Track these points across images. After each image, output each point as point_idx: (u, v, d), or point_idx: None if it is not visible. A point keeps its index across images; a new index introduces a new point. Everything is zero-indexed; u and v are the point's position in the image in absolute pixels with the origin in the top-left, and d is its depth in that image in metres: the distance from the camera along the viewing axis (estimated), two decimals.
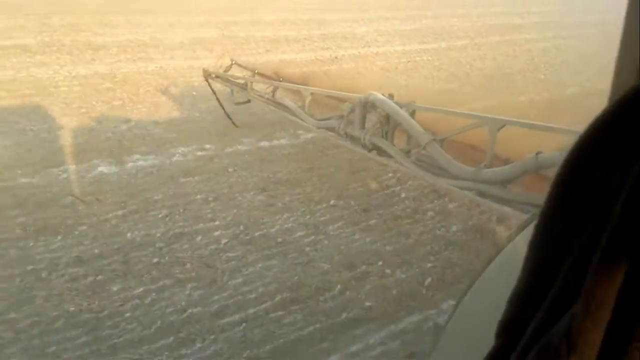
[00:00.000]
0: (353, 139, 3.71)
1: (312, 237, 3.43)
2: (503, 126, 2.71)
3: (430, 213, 3.71)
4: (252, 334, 2.58)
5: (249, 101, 5.05)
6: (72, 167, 4.20)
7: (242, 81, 5.08)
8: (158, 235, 3.34)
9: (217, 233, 3.42)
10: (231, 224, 3.53)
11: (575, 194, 0.38)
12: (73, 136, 4.83)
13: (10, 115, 5.25)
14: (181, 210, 3.65)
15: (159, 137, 4.91)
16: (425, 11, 13.68)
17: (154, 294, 2.81)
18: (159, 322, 2.61)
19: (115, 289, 2.83)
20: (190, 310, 2.70)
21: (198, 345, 2.50)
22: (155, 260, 3.09)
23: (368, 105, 3.55)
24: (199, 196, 3.88)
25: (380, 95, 3.48)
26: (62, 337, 2.48)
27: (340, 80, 6.62)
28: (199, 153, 4.65)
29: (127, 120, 5.30)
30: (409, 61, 8.60)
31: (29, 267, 2.95)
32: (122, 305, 2.72)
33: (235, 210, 3.70)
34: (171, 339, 2.52)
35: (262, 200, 3.88)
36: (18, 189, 3.81)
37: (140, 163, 4.38)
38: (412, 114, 3.32)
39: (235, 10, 12.21)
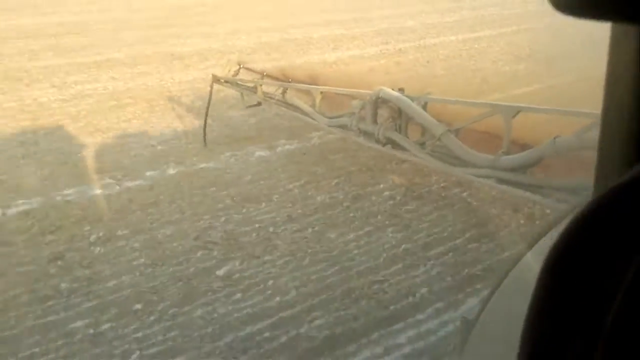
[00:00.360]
0: (366, 134, 3.73)
1: (468, 192, 4.07)
2: (517, 113, 2.71)
3: None
4: (460, 260, 3.23)
5: (259, 104, 5.00)
6: (235, 153, 4.89)
7: (251, 84, 5.02)
8: (340, 197, 4.01)
9: (386, 193, 4.08)
10: (394, 186, 4.19)
11: (559, 303, 0.34)
12: (217, 129, 5.52)
13: (151, 117, 5.97)
14: (346, 179, 4.32)
15: (289, 126, 5.57)
16: (459, 3, 14.25)
17: (365, 238, 3.47)
18: (383, 254, 3.27)
19: (332, 236, 3.50)
20: (402, 246, 3.36)
21: (422, 269, 3.16)
22: (351, 214, 3.76)
23: (379, 101, 3.56)
24: (353, 168, 4.54)
25: (390, 90, 3.46)
26: (315, 269, 3.15)
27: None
28: (331, 136, 5.30)
29: (253, 114, 5.99)
30: (469, 48, 9.23)
31: (256, 225, 3.63)
32: (345, 246, 3.39)
33: (391, 176, 4.36)
34: (400, 265, 3.18)
35: (409, 167, 4.53)
36: (203, 172, 4.50)
37: (287, 147, 5.06)
38: (424, 107, 3.34)
39: (281, 15, 12.85)
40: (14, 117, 5.94)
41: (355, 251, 3.32)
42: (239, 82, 5.18)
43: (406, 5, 14.15)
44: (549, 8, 0.36)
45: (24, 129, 5.53)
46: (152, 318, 2.77)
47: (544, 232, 0.78)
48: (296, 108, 4.49)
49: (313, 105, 4.28)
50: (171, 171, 4.51)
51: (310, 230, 3.56)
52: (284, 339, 2.61)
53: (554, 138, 2.49)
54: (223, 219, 3.70)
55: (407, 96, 3.39)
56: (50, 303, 2.87)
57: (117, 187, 4.23)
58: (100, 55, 9.20)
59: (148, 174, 4.46)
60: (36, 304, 2.86)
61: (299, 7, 13.83)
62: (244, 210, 3.83)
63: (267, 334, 2.64)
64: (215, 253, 3.31)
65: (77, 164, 4.65)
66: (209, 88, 7.15)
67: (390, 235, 3.50)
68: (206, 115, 5.17)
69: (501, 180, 2.83)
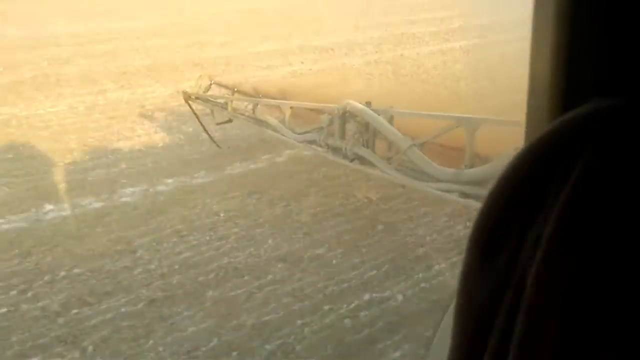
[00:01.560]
0: (335, 150, 3.73)
1: None
2: (479, 126, 2.73)
3: None
4: None
5: (230, 120, 4.95)
6: None
7: (222, 100, 4.99)
8: None
9: None
10: None
11: (491, 252, 0.34)
12: None
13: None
14: None
15: None
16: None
17: None
18: None
19: None
20: None
21: None
22: None
23: (346, 115, 3.58)
24: None
25: (356, 104, 3.49)
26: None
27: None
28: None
29: None
30: None
31: None
32: None
33: None
34: None
35: None
36: None
37: None
38: (391, 120, 3.36)
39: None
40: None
41: None
42: (209, 99, 5.15)
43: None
44: None
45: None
46: None
47: None
48: (266, 124, 4.50)
49: (282, 121, 4.25)
50: None
51: None
52: None
53: (515, 149, 2.71)
54: None
55: (373, 110, 3.43)
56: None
57: None
58: (252, 48, 9.64)
59: None
60: None
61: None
62: None
63: None
64: None
65: None
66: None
67: None
68: (203, 127, 5.16)
69: (464, 194, 2.87)
